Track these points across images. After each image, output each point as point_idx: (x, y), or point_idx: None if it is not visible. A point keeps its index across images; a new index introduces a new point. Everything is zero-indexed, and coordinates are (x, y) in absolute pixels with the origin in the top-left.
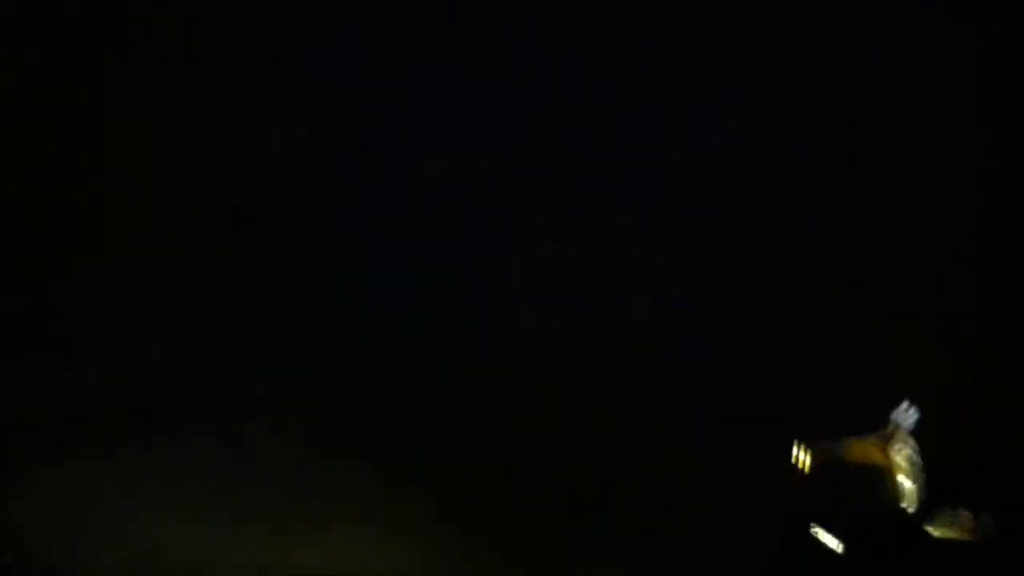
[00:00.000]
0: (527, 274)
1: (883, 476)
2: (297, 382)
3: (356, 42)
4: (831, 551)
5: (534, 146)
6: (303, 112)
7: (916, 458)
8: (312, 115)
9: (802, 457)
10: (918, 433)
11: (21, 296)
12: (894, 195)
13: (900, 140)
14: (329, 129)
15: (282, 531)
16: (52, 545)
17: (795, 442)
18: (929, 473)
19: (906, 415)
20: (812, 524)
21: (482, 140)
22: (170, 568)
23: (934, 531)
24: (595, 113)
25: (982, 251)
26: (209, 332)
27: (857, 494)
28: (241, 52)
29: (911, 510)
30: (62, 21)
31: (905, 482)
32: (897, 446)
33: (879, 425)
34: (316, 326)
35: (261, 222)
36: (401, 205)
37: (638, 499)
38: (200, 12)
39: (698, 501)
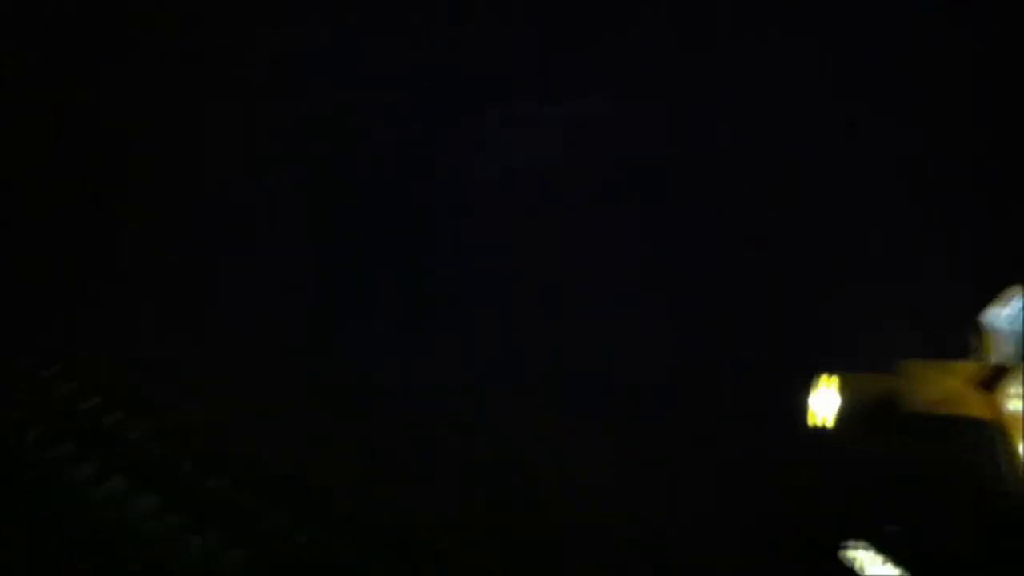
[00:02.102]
0: (527, 274)
1: (990, 437)
2: (297, 382)
3: (356, 42)
4: None
5: (534, 146)
6: (303, 112)
7: None
8: (312, 115)
9: (825, 399)
10: None
11: (21, 296)
12: (894, 195)
13: (900, 140)
14: (329, 129)
15: None
16: None
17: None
18: None
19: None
20: (843, 545)
21: (482, 140)
22: None
23: None
24: (596, 113)
25: (982, 251)
26: (209, 332)
27: (943, 472)
28: (241, 52)
29: None
30: (62, 21)
31: None
32: (1015, 387)
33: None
34: (316, 326)
35: (261, 222)
36: (402, 204)
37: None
38: (200, 12)
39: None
